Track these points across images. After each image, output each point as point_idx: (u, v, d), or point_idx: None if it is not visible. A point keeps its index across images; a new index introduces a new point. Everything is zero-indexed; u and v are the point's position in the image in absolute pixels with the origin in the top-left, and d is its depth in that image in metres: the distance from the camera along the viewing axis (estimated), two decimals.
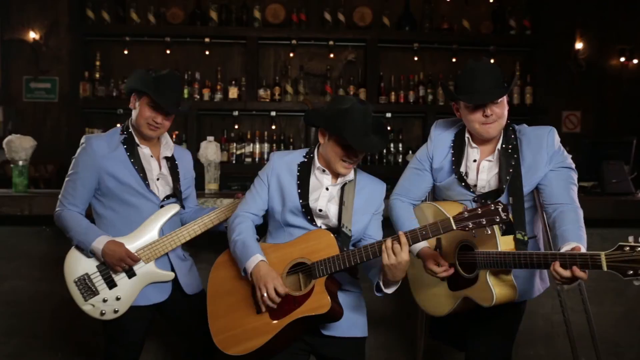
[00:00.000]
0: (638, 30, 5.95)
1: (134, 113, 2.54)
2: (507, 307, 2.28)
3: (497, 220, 2.00)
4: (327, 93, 5.81)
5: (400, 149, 5.85)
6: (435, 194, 2.53)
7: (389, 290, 2.22)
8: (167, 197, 2.58)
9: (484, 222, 2.01)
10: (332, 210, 2.32)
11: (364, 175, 2.42)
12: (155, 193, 2.55)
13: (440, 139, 2.42)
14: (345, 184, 2.34)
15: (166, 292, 2.56)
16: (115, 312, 2.49)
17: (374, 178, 2.45)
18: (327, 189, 2.33)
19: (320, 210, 2.30)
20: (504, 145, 2.29)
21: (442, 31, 5.87)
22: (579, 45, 5.95)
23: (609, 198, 3.35)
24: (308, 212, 2.29)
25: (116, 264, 2.46)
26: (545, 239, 2.43)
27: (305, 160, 2.38)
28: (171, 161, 2.65)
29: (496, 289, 2.14)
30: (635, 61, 5.96)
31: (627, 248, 1.81)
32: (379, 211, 2.41)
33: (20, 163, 3.22)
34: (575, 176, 2.26)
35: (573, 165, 2.27)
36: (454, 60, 5.83)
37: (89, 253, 2.48)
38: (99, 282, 2.49)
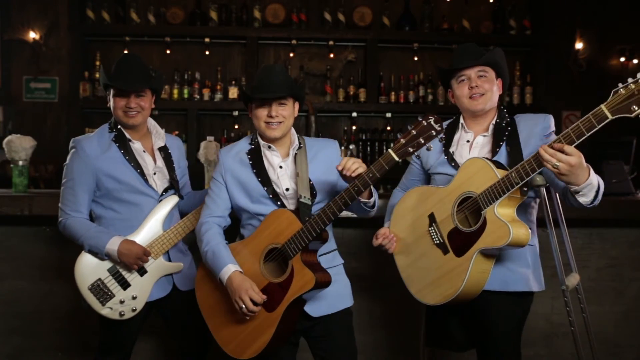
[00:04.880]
0: (638, 30, 5.95)
1: (111, 109, 2.55)
2: (510, 300, 2.28)
3: (434, 134, 2.00)
4: (327, 93, 5.81)
5: None
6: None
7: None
8: (165, 190, 2.57)
9: (422, 141, 2.00)
10: (296, 186, 2.31)
11: (313, 140, 2.42)
12: (153, 188, 2.53)
13: None
14: (295, 155, 2.33)
15: (167, 288, 2.56)
16: (134, 310, 2.49)
17: (323, 140, 2.47)
18: (280, 167, 2.32)
19: (287, 190, 2.29)
20: (498, 121, 2.38)
21: (442, 31, 5.87)
22: (579, 45, 5.95)
23: (609, 198, 3.34)
24: (276, 197, 2.28)
25: (133, 262, 2.45)
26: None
27: (253, 146, 2.37)
28: (164, 151, 2.63)
29: (510, 223, 2.09)
30: (635, 61, 5.96)
31: (621, 90, 1.90)
32: None
33: (20, 163, 3.22)
34: None
35: None
36: None
37: (103, 256, 2.46)
38: (113, 285, 2.48)
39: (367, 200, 2.22)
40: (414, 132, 2.01)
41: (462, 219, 2.26)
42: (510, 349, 2.32)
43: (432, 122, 1.99)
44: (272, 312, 2.21)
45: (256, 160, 2.33)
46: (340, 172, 2.12)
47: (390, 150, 2.04)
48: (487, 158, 2.22)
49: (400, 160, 2.04)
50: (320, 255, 2.29)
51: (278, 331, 2.21)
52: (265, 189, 2.28)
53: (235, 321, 2.28)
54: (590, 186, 2.01)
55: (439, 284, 2.30)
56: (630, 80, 1.90)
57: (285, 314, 2.20)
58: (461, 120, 2.44)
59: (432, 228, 2.32)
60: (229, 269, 2.21)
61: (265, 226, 2.26)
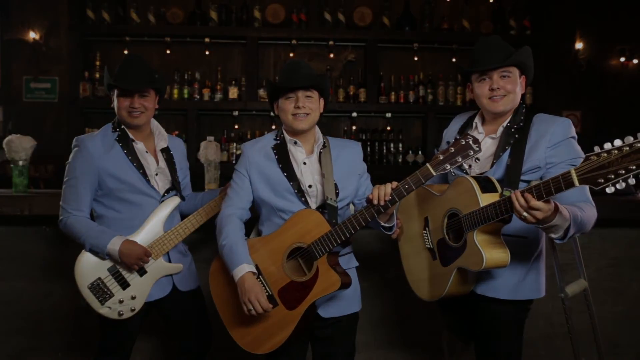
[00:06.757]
0: (638, 30, 5.95)
1: (115, 109, 2.55)
2: (498, 305, 2.27)
3: (471, 153, 2.03)
4: None
5: (401, 148, 5.85)
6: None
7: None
8: (167, 191, 2.57)
9: (460, 160, 2.04)
10: (320, 185, 2.31)
11: (336, 140, 2.43)
12: (155, 188, 2.53)
13: (454, 123, 2.51)
14: (320, 153, 2.34)
15: (167, 288, 2.57)
16: (132, 310, 2.49)
17: (346, 141, 2.48)
18: (304, 163, 2.33)
19: (310, 186, 2.30)
20: (509, 124, 2.28)
21: (442, 31, 5.87)
22: (579, 45, 5.96)
23: (609, 198, 3.34)
24: (300, 193, 2.29)
25: (134, 262, 2.45)
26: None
27: (278, 141, 2.38)
28: (167, 152, 2.63)
29: (485, 250, 2.09)
30: (635, 61, 5.96)
31: (593, 157, 1.79)
32: (365, 171, 2.43)
33: (20, 163, 3.22)
34: None
35: None
36: (454, 60, 5.83)
37: (104, 256, 2.46)
38: (112, 284, 2.48)
39: (386, 224, 2.23)
40: (452, 149, 2.04)
41: (454, 234, 2.26)
42: (502, 353, 2.31)
43: (471, 142, 2.03)
44: (293, 310, 2.22)
45: (282, 155, 2.34)
46: (372, 202, 2.11)
47: (428, 165, 2.07)
48: (476, 178, 2.16)
49: (435, 174, 2.07)
50: (339, 257, 2.31)
51: (297, 329, 2.23)
52: (291, 183, 2.29)
53: (251, 316, 2.27)
54: (556, 227, 1.98)
55: (429, 284, 2.37)
56: (606, 146, 1.76)
57: (306, 313, 2.22)
58: (476, 119, 2.37)
59: (426, 231, 2.36)
60: (243, 269, 2.22)
61: (292, 224, 2.26)
